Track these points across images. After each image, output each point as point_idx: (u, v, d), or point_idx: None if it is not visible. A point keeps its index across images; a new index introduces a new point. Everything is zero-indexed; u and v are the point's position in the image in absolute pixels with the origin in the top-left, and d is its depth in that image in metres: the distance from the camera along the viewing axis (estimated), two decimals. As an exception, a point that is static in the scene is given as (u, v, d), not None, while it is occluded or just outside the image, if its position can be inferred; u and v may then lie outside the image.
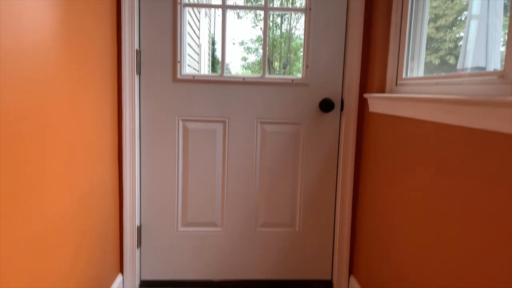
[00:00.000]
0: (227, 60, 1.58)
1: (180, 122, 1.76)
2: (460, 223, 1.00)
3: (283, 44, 13.67)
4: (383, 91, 1.62)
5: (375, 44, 1.63)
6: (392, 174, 1.41)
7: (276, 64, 13.18)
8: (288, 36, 13.73)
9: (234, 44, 14.58)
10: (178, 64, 1.72)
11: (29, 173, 1.00)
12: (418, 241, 1.21)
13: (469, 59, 1.82)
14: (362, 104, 1.76)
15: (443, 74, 1.26)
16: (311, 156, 1.81)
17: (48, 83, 1.08)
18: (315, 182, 1.82)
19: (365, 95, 1.66)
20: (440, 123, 1.10)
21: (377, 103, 1.56)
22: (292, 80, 1.76)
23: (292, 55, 13.70)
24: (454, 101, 1.00)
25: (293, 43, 13.77)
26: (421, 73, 1.51)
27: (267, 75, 1.75)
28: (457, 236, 1.01)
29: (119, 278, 1.76)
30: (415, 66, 1.54)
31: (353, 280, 1.82)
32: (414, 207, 1.24)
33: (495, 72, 0.98)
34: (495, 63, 1.68)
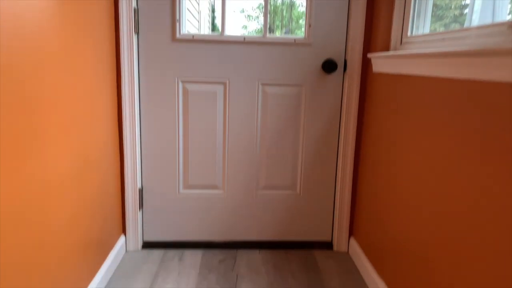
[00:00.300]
0: (227, 31, 1.53)
1: (180, 84, 1.73)
2: (464, 183, 0.99)
3: (284, 12, 13.36)
4: (387, 50, 1.58)
5: (380, 2, 1.58)
6: (395, 135, 1.39)
7: (278, 32, 12.93)
8: (290, 4, 13.39)
9: (234, 11, 14.24)
10: (177, 23, 1.67)
11: (28, 132, 0.98)
12: (419, 202, 1.21)
13: (476, 18, 1.76)
14: (366, 64, 1.72)
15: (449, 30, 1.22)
16: (313, 118, 1.79)
17: (43, 42, 1.05)
18: (317, 145, 1.81)
19: (369, 55, 1.62)
20: (447, 78, 1.07)
21: (381, 62, 1.52)
22: (294, 40, 1.71)
23: (293, 23, 13.42)
24: (462, 54, 0.97)
25: (294, 12, 13.45)
26: (427, 31, 1.47)
27: (268, 35, 1.71)
28: (458, 197, 1.00)
29: (121, 239, 1.79)
30: (421, 24, 1.49)
31: (353, 241, 1.84)
32: (415, 168, 1.23)
33: (504, 23, 0.94)
34: (503, 18, 1.62)
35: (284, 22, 13.61)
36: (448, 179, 1.05)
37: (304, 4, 1.69)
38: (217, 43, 1.69)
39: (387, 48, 1.58)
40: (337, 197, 1.85)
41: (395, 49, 1.55)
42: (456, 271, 1.00)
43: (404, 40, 1.51)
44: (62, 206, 1.18)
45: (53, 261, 1.13)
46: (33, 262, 1.02)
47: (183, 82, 1.73)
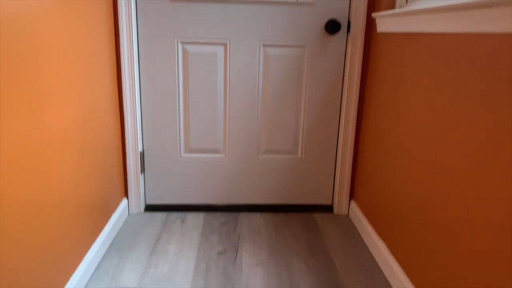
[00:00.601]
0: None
1: (180, 45, 1.69)
2: (465, 143, 0.98)
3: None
4: (392, 9, 1.53)
5: (387, -43, 1.52)
6: (398, 98, 1.37)
7: None
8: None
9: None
10: (176, -19, 1.61)
11: (27, 87, 0.96)
12: (420, 164, 1.20)
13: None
14: (370, 25, 1.68)
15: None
16: (315, 81, 1.76)
17: (38, -11, 1.01)
18: (319, 108, 1.80)
19: (373, 15, 1.58)
20: (456, 33, 1.04)
21: (386, 21, 1.48)
22: (297, 0, 1.67)
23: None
24: (475, 5, 0.94)
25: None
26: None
27: (270, -6, 1.66)
28: (459, 157, 1.00)
29: (124, 202, 1.80)
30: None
31: (353, 204, 1.86)
32: (418, 131, 1.22)
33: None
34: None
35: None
36: (450, 141, 1.05)
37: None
38: (217, 2, 1.65)
39: (392, 6, 1.53)
40: (339, 160, 1.85)
41: (401, 7, 1.51)
42: (455, 230, 1.01)
43: (410, -3, 1.47)
44: (64, 165, 1.18)
45: (56, 221, 1.14)
46: (35, 221, 1.03)
47: (182, 43, 1.69)
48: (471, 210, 0.95)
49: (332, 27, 1.67)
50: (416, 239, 1.23)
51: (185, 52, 1.70)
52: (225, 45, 1.70)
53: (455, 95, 1.03)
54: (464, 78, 1.00)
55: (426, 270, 1.17)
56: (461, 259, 0.99)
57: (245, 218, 1.85)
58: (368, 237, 1.63)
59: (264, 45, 1.71)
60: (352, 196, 1.90)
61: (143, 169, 1.84)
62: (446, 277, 1.06)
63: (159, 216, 1.85)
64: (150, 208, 1.89)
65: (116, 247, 1.58)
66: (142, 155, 1.81)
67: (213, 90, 1.75)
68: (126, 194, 1.83)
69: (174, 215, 1.86)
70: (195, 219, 1.83)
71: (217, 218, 1.85)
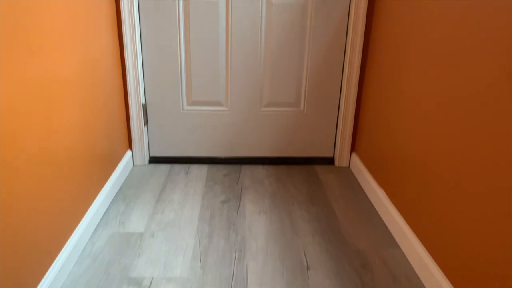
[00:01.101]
0: None
1: (181, -7, 1.65)
2: (465, 98, 0.98)
3: None
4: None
5: None
6: (402, 51, 1.36)
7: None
8: None
9: None
10: None
11: (27, 33, 0.95)
12: (421, 115, 1.21)
13: None
14: (376, -28, 1.62)
15: None
16: (319, 32, 1.73)
17: None
18: (322, 60, 1.78)
19: (380, -40, 1.52)
20: (463, -27, 1.01)
21: (393, -34, 1.43)
22: None
23: None
24: None
25: None
26: None
27: None
28: (459, 109, 1.00)
29: (128, 153, 1.83)
30: None
31: (354, 156, 1.88)
32: (420, 85, 1.21)
33: None
34: None
35: None
36: (450, 95, 1.04)
37: None
38: None
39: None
40: (341, 113, 1.85)
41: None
42: (453, 179, 1.03)
43: None
44: (68, 114, 1.19)
45: (62, 169, 1.17)
46: (42, 168, 1.05)
47: (183, -9, 1.65)
48: (467, 160, 0.97)
49: (337, -26, 1.62)
50: (414, 186, 1.26)
51: (186, 2, 1.66)
52: (227, -7, 1.66)
53: (459, 51, 1.02)
54: (469, 33, 0.98)
55: (422, 214, 1.21)
56: (455, 204, 1.02)
57: (247, 170, 1.89)
58: (368, 186, 1.66)
59: (267, -6, 1.67)
60: (353, 148, 1.92)
61: (146, 122, 1.85)
62: (440, 219, 1.09)
63: (163, 168, 1.88)
64: (154, 160, 1.92)
65: (122, 195, 1.62)
66: (145, 107, 1.82)
67: (215, 41, 1.73)
68: (130, 146, 1.85)
69: (178, 167, 1.89)
70: (199, 171, 1.86)
71: (220, 170, 1.88)
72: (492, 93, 0.90)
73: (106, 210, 1.51)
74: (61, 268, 1.13)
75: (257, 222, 1.47)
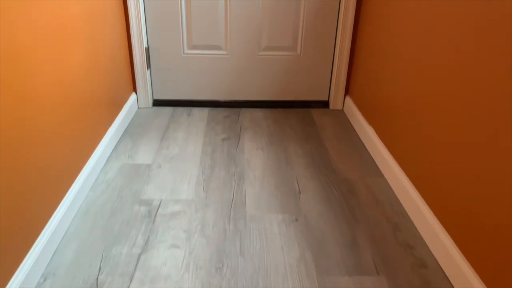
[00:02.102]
0: None
1: None
2: (452, 46, 1.06)
3: None
4: None
5: None
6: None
7: None
8: None
9: None
10: None
11: (38, -39, 1.01)
12: (412, 61, 1.29)
13: None
14: None
15: None
16: (315, -25, 1.76)
17: None
18: (318, 4, 1.82)
19: None
20: None
21: None
22: None
23: None
24: None
25: None
26: None
27: None
28: (445, 58, 1.08)
29: (133, 96, 1.92)
30: None
31: (348, 99, 1.98)
32: (414, 27, 1.28)
33: None
34: None
35: None
36: (439, 43, 1.12)
37: None
38: None
39: None
40: (336, 58, 1.93)
41: None
42: (434, 117, 1.14)
43: None
44: (77, 56, 1.27)
45: (71, 109, 1.27)
46: (54, 107, 1.15)
47: None
48: (448, 99, 1.07)
49: None
50: (400, 124, 1.37)
51: None
52: None
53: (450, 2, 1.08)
54: (455, -42, 1.04)
55: (405, 147, 1.32)
56: (434, 137, 1.13)
57: (246, 113, 1.99)
58: (359, 126, 1.77)
59: None
60: (347, 92, 2.02)
61: (149, 65, 1.92)
62: (421, 151, 1.21)
63: (166, 110, 1.98)
64: (157, 103, 2.02)
65: (129, 134, 1.73)
66: (148, 51, 1.89)
67: (214, -16, 1.77)
68: (134, 89, 1.95)
69: (180, 110, 1.99)
70: (200, 113, 1.96)
71: (221, 112, 1.99)
72: (476, 40, 0.98)
73: (115, 146, 1.63)
74: (78, 192, 1.26)
75: (255, 156, 1.59)
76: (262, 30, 1.88)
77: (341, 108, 2.05)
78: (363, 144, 1.70)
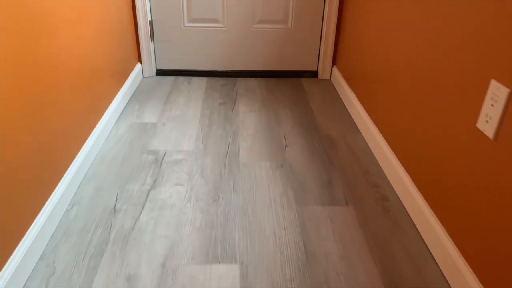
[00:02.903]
0: None
1: None
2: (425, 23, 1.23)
3: None
4: None
5: None
6: (373, -40, 1.58)
7: None
8: None
9: None
10: None
11: None
12: (391, 36, 1.47)
13: None
14: None
15: None
16: (304, -47, 1.92)
17: None
18: (307, -20, 1.99)
19: None
20: None
21: None
22: None
23: None
24: None
25: None
26: None
27: None
28: (429, 29, 1.26)
29: (138, 66, 2.11)
30: None
31: (335, 69, 2.16)
32: (395, 7, 1.46)
33: None
34: None
35: None
36: (416, 16, 1.30)
37: None
38: None
39: None
40: (324, 31, 2.10)
41: None
42: (414, 91, 1.33)
43: None
44: (92, 23, 1.45)
45: (84, 75, 1.46)
46: (70, 73, 1.34)
47: None
48: (422, 69, 1.26)
49: None
50: (377, 89, 1.56)
51: None
52: None
53: (410, -47, 1.26)
54: None
55: (381, 110, 1.52)
56: (407, 101, 1.32)
57: (242, 82, 2.18)
58: (343, 92, 1.96)
59: None
60: (334, 62, 2.20)
61: (152, 37, 2.10)
62: (393, 113, 1.41)
63: (169, 79, 2.17)
64: (160, 72, 2.20)
65: (136, 98, 1.93)
66: (151, 24, 2.07)
67: (212, -39, 1.93)
68: (140, 59, 2.13)
69: (181, 78, 2.18)
70: (199, 82, 2.15)
71: (218, 81, 2.17)
72: (447, 10, 1.16)
73: (124, 108, 1.82)
74: (93, 144, 1.46)
75: (248, 118, 1.79)
76: (256, 5, 2.05)
77: (329, 78, 2.24)
78: (346, 107, 1.90)
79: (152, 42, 2.12)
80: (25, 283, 0.96)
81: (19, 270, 0.93)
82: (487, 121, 0.84)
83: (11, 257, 0.93)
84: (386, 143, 1.45)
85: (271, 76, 2.24)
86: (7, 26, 0.91)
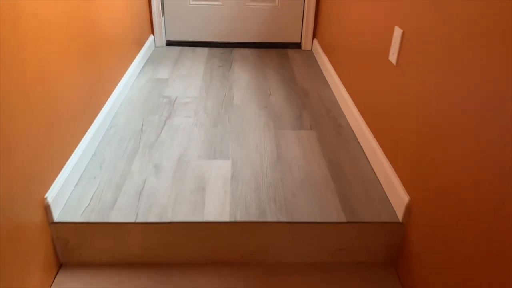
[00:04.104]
0: None
1: None
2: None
3: None
4: None
5: None
6: (340, -51, 2.00)
7: None
8: None
9: None
10: None
11: None
12: (362, 12, 1.90)
13: None
14: None
15: None
16: None
17: None
18: (291, -35, 2.42)
19: None
20: None
21: None
22: None
23: None
24: None
25: None
26: None
27: None
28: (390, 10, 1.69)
29: (151, 37, 2.54)
30: None
31: (315, 41, 2.60)
32: (346, -32, 1.89)
33: None
34: None
35: None
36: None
37: None
38: None
39: None
40: (305, 9, 2.53)
41: None
42: (363, 52, 1.76)
43: None
44: (111, 8, 1.89)
45: (109, 44, 1.90)
46: (93, 42, 1.78)
47: None
48: (374, 29, 1.69)
49: None
50: (346, 56, 2.00)
51: None
52: None
53: None
54: None
55: (345, 69, 1.96)
56: (365, 64, 1.76)
57: (237, 51, 2.61)
58: (320, 58, 2.40)
59: None
60: (314, 35, 2.64)
61: (163, 12, 2.54)
62: (355, 70, 1.85)
63: (176, 48, 2.61)
64: (169, 43, 2.64)
65: (150, 62, 2.37)
66: (162, 1, 2.50)
67: (213, -50, 2.36)
68: (152, 32, 2.57)
69: (187, 48, 2.62)
70: (202, 51, 2.59)
71: (218, 50, 2.61)
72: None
73: (142, 69, 2.27)
74: (121, 91, 1.90)
75: (242, 76, 2.23)
76: (249, -14, 2.48)
77: (310, 49, 2.68)
78: (321, 70, 2.34)
79: (163, 17, 2.55)
80: (86, 166, 1.41)
81: (81, 160, 1.38)
82: (393, 53, 1.29)
83: (75, 150, 1.38)
84: (346, 91, 1.89)
85: (262, 47, 2.68)
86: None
